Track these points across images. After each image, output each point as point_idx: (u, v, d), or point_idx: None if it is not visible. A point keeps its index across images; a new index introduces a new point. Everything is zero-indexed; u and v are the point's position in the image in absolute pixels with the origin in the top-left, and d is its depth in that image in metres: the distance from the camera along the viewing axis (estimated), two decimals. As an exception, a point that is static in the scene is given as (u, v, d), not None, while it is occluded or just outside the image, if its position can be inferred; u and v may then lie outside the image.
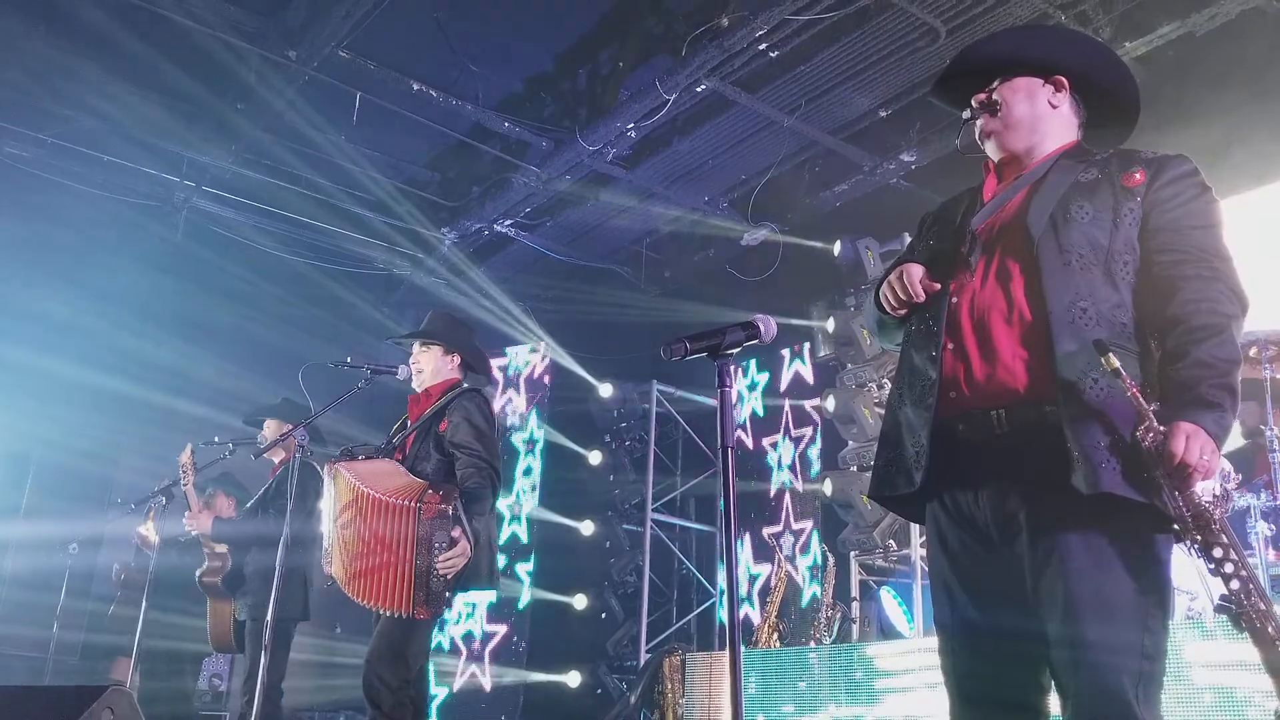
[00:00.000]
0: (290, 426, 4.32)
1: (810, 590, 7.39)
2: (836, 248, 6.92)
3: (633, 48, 7.00)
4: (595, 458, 9.05)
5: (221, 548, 4.95)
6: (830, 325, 6.91)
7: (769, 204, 7.80)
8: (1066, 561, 1.92)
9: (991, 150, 2.32)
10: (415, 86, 6.98)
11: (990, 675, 2.07)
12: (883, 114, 6.88)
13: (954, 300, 2.16)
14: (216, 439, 5.11)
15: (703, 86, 6.58)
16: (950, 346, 2.13)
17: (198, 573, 4.97)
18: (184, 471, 4.95)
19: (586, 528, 8.80)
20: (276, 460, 5.13)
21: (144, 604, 5.11)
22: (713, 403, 8.99)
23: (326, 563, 3.75)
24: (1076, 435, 1.93)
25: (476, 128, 7.73)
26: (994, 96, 2.28)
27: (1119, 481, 1.90)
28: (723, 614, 8.42)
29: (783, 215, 7.85)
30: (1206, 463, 1.86)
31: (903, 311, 2.26)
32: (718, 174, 7.84)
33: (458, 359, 4.10)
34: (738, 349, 2.32)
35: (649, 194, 8.11)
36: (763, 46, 6.18)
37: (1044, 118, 2.28)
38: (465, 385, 4.04)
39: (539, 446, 9.48)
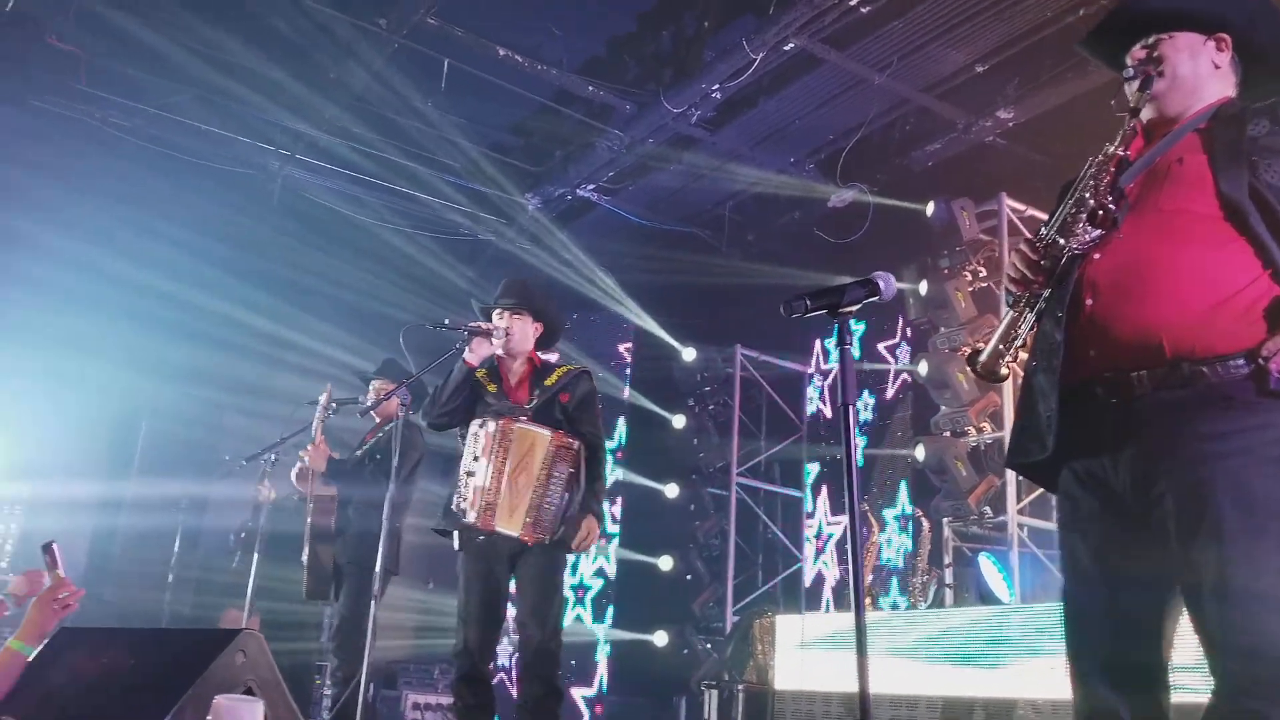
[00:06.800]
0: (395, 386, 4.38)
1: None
2: (929, 208, 6.77)
3: (717, 6, 6.88)
4: (679, 421, 9.05)
5: (330, 490, 5.05)
6: (923, 288, 6.77)
7: (858, 164, 7.60)
8: (1218, 524, 1.85)
9: (1147, 110, 2.20)
10: (501, 52, 6.97)
11: (1117, 644, 2.02)
12: (979, 69, 6.65)
13: (1095, 258, 2.07)
14: (313, 401, 5.20)
15: (790, 45, 6.43)
16: (1089, 303, 2.06)
17: (307, 515, 5.06)
18: (321, 409, 5.09)
19: (671, 490, 8.82)
20: (379, 418, 5.22)
21: (255, 558, 5.26)
22: (796, 367, 8.97)
23: (485, 517, 3.80)
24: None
25: (560, 92, 7.68)
26: (1155, 54, 2.16)
27: None
28: (820, 572, 8.38)
29: (872, 176, 7.66)
30: None
31: (1028, 285, 2.16)
32: (804, 134, 7.68)
33: (540, 328, 4.21)
34: (857, 306, 2.27)
35: (733, 156, 7.99)
36: (853, 2, 6.01)
37: (1206, 78, 2.17)
38: (578, 366, 4.28)
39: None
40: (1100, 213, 2.07)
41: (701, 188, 8.55)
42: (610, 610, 8.90)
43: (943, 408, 6.52)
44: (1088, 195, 2.09)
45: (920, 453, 6.34)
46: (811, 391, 8.86)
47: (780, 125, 7.56)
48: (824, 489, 8.50)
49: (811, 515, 8.49)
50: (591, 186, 8.50)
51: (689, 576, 8.58)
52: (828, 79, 6.95)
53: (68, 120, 7.27)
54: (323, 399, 5.14)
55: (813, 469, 8.63)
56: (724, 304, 8.93)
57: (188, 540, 6.88)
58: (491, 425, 3.86)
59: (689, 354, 9.01)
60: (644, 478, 8.89)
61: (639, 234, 9.11)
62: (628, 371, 9.63)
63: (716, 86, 6.92)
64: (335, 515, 5.03)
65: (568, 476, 3.86)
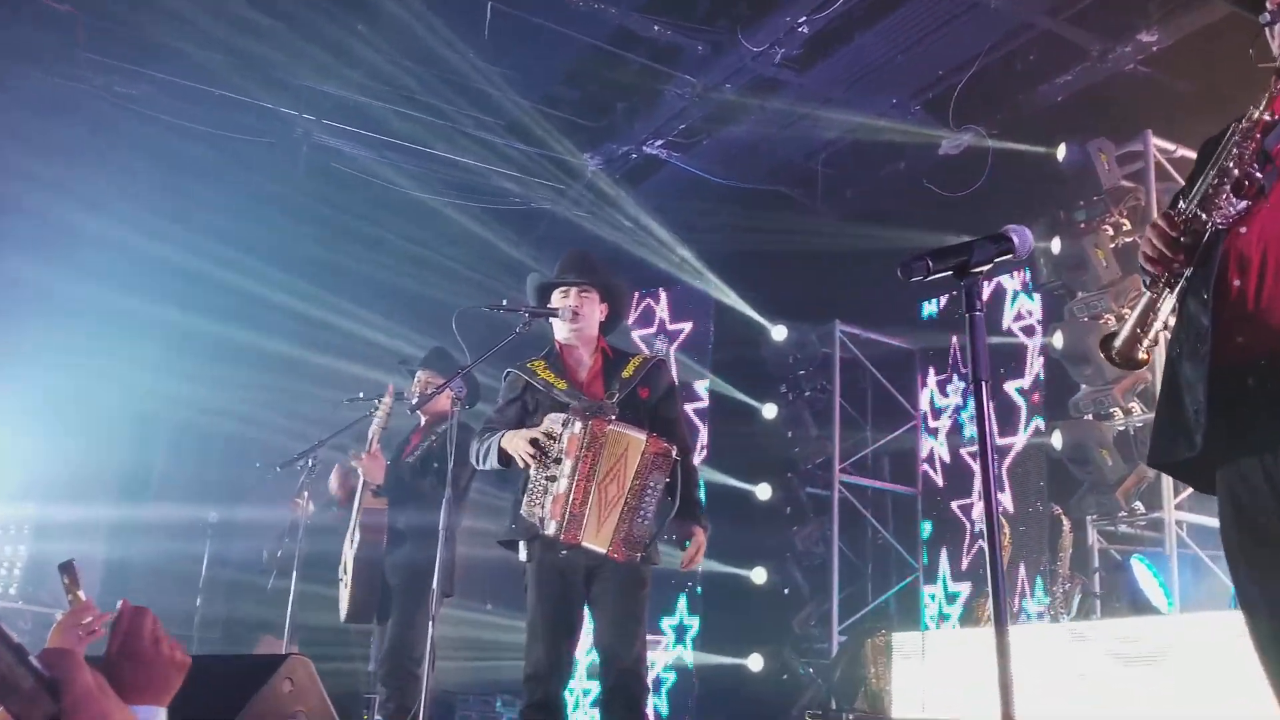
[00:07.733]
0: (443, 379, 4.44)
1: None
2: (1061, 151, 6.70)
3: (801, -75, 6.83)
4: (770, 411, 9.05)
5: (381, 502, 5.12)
6: (1055, 246, 6.67)
7: (973, 104, 7.52)
8: None
9: None
10: (551, -11, 7.01)
11: None
12: (1115, -16, 6.53)
13: (1242, 231, 2.09)
14: (362, 395, 5.29)
15: (891, -35, 6.39)
16: (1237, 284, 2.07)
17: (353, 529, 5.13)
18: (382, 414, 5.11)
19: (763, 491, 8.83)
20: (425, 417, 5.28)
21: (294, 576, 5.38)
22: (904, 345, 8.90)
23: (570, 530, 3.79)
24: None
25: (621, 33, 7.69)
26: None
27: None
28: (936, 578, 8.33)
29: (991, 116, 7.58)
30: None
31: (1167, 265, 2.17)
32: (908, 71, 7.61)
33: (606, 309, 4.22)
34: (988, 265, 2.25)
35: (825, 100, 7.95)
36: (965, -89, 5.95)
37: None
38: (652, 354, 4.36)
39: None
40: (1246, 182, 2.08)
41: (789, 138, 8.53)
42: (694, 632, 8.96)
43: (1083, 386, 6.42)
44: (1231, 164, 2.11)
45: (1057, 440, 6.26)
46: (925, 439, 8.76)
47: (879, 62, 7.49)
48: (942, 552, 8.44)
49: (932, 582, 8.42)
50: (660, 142, 8.53)
51: (786, 591, 8.59)
52: (934, 4, 6.87)
53: (67, 87, 7.49)
54: (385, 402, 5.13)
55: (926, 526, 8.59)
56: (819, 273, 8.89)
57: (215, 561, 7.08)
58: (578, 426, 3.82)
59: (779, 332, 9.00)
60: (731, 478, 8.89)
61: (717, 195, 9.12)
62: (708, 354, 9.64)
63: (803, 19, 6.89)
64: (386, 531, 5.10)
65: (664, 488, 3.83)
